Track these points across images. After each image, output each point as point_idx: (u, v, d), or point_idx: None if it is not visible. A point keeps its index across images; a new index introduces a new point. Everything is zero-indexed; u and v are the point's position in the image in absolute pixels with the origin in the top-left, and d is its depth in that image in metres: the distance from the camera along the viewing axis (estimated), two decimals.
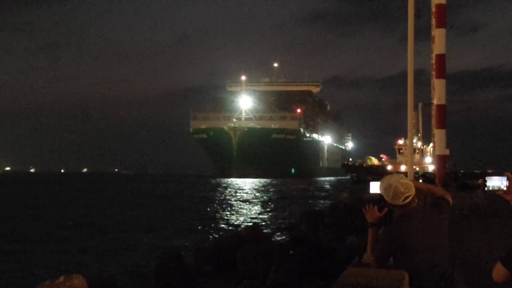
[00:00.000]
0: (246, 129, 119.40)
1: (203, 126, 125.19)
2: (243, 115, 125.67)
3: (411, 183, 4.12)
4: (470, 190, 20.55)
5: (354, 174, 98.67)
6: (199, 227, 27.17)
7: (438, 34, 20.82)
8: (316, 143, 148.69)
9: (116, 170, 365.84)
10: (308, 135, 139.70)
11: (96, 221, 30.51)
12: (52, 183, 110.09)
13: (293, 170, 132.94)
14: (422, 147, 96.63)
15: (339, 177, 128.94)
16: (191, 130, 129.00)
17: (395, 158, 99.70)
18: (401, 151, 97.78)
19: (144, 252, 19.18)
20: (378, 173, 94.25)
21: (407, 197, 4.05)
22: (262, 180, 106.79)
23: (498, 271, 3.29)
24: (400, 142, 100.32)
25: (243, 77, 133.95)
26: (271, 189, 70.81)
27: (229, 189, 70.17)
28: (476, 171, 47.86)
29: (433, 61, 21.30)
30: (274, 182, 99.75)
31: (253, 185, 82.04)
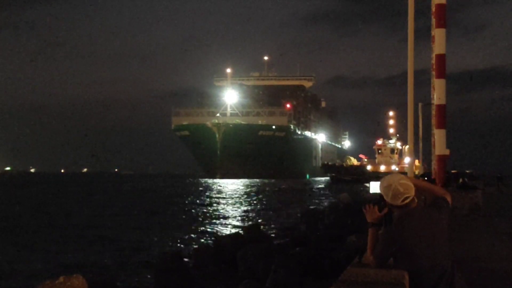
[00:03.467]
0: (231, 125, 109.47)
1: (184, 123, 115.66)
2: (228, 110, 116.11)
3: (411, 184, 4.12)
4: (470, 190, 20.51)
5: (333, 174, 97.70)
6: (199, 227, 27.17)
7: (438, 34, 20.80)
8: (309, 141, 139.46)
9: (116, 170, 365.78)
10: (299, 132, 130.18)
11: (96, 221, 30.52)
12: (52, 183, 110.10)
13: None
14: (401, 148, 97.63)
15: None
16: (172, 127, 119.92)
17: (375, 158, 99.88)
18: (380, 151, 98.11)
19: (144, 252, 19.17)
20: (357, 173, 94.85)
21: (406, 197, 4.05)
22: (247, 181, 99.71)
23: None
24: (379, 142, 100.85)
25: (228, 70, 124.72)
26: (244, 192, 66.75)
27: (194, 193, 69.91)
28: (452, 171, 47.46)
29: (433, 61, 21.28)
30: (254, 182, 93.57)
31: (228, 188, 73.91)
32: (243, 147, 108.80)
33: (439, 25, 20.77)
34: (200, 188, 75.79)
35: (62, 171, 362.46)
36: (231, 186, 78.01)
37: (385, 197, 4.11)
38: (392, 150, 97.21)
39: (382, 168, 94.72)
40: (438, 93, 20.85)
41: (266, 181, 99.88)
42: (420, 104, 42.05)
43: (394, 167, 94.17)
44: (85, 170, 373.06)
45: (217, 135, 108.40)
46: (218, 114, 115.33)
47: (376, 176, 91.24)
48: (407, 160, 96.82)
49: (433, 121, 21.67)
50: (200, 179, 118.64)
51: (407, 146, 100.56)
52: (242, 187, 75.30)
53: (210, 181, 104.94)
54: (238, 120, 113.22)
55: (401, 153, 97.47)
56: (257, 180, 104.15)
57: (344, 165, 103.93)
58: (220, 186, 78.91)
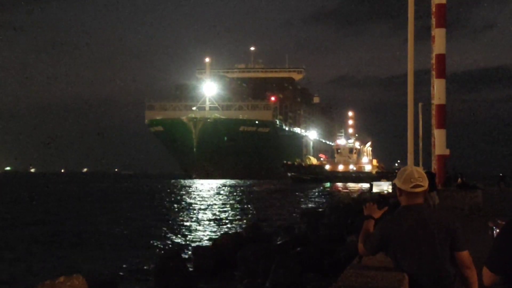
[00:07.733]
0: (209, 120, 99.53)
1: (158, 117, 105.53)
2: (207, 104, 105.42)
3: (427, 179, 3.96)
4: (470, 190, 20.53)
5: (293, 173, 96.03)
6: (199, 227, 27.18)
7: (438, 34, 20.82)
8: (298, 138, 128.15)
9: (116, 170, 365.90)
10: (286, 128, 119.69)
11: (96, 221, 30.51)
12: (52, 183, 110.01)
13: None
14: (359, 147, 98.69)
15: None
16: (146, 121, 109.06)
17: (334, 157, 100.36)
18: (339, 150, 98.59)
19: (144, 252, 19.17)
20: (317, 173, 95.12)
21: (417, 185, 3.87)
22: (228, 182, 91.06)
23: (485, 276, 3.18)
24: (339, 142, 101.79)
25: (207, 59, 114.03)
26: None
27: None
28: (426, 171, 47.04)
29: (433, 61, 21.30)
30: (236, 184, 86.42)
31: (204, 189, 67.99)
32: (222, 144, 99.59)
33: (439, 25, 20.79)
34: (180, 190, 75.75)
35: (62, 171, 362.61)
36: (203, 187, 72.64)
37: (397, 183, 3.96)
38: (351, 150, 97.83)
39: (340, 167, 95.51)
40: (438, 93, 20.86)
41: (244, 181, 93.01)
42: (420, 104, 42.05)
43: (352, 167, 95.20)
44: (85, 170, 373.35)
45: (193, 131, 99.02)
46: (194, 108, 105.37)
47: (334, 175, 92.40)
48: (365, 160, 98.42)
49: (433, 121, 21.69)
50: (174, 180, 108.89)
51: (367, 146, 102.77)
52: (214, 190, 74.43)
53: (182, 181, 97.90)
54: (217, 115, 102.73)
55: (359, 153, 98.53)
56: (240, 181, 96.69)
57: (304, 164, 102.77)
58: (192, 188, 73.07)
